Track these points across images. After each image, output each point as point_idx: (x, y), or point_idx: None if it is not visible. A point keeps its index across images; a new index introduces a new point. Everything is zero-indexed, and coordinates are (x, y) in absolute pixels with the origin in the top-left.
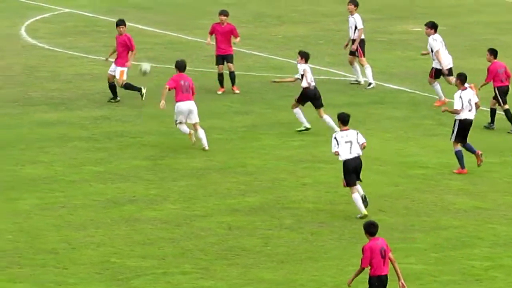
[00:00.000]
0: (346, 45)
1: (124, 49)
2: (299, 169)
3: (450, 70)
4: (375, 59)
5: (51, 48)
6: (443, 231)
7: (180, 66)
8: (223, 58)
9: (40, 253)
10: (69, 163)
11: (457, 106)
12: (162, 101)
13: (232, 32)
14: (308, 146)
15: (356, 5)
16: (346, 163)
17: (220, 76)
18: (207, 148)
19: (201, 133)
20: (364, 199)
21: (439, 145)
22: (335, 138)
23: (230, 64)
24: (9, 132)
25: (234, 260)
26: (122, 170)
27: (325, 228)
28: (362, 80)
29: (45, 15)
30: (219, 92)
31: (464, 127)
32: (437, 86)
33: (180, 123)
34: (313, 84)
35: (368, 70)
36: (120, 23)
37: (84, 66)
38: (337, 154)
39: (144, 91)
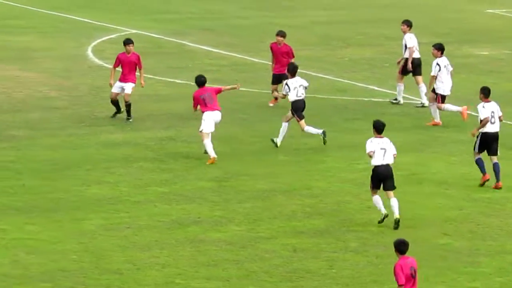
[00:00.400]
0: (399, 62)
1: (132, 68)
2: (364, 192)
3: (444, 97)
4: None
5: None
6: (509, 255)
7: (199, 82)
8: (279, 77)
9: (105, 274)
10: (134, 184)
11: (482, 115)
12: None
13: (288, 53)
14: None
15: (409, 25)
16: (376, 168)
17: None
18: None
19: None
20: (396, 222)
21: (504, 169)
22: (371, 141)
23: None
24: (75, 152)
25: (298, 283)
26: (187, 191)
27: (390, 251)
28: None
29: (111, 36)
30: (271, 105)
31: (486, 139)
32: (435, 107)
33: (207, 140)
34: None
35: (400, 87)
36: (129, 42)
37: (149, 87)
38: (371, 154)
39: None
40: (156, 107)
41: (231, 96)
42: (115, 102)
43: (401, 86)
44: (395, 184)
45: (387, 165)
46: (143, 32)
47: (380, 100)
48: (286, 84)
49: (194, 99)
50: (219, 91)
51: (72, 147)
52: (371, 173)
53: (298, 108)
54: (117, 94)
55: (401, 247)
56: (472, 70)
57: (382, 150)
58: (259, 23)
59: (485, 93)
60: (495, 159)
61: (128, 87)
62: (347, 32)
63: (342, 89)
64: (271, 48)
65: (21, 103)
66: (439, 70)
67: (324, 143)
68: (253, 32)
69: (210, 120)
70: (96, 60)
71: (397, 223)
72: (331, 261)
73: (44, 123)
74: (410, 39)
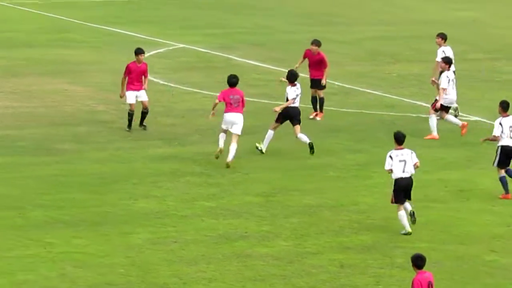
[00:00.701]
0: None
1: (141, 76)
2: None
3: (447, 108)
4: (490, 98)
5: (165, 83)
6: None
7: (231, 83)
8: (315, 82)
9: None
10: (182, 198)
11: (496, 132)
12: (212, 112)
13: (322, 61)
14: (421, 185)
15: (443, 38)
16: (397, 181)
17: (313, 99)
18: (229, 161)
19: (233, 147)
20: (412, 215)
21: None
22: (390, 156)
23: (319, 91)
24: (123, 166)
25: None
26: (234, 206)
27: (437, 268)
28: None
29: (159, 50)
30: (311, 117)
31: (506, 153)
32: (434, 119)
33: (221, 133)
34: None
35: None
36: (141, 51)
37: (197, 101)
38: (390, 172)
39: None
40: (203, 121)
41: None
42: (132, 115)
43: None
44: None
45: (409, 177)
46: (191, 47)
47: (428, 115)
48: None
49: (223, 94)
50: (243, 101)
51: (120, 161)
52: (393, 186)
53: (291, 114)
54: (135, 104)
55: (418, 261)
56: None
57: (401, 163)
58: (308, 38)
59: (504, 107)
60: None
61: (144, 95)
62: (395, 47)
63: (390, 104)
64: (305, 54)
65: (70, 117)
66: (448, 82)
67: (312, 153)
68: (301, 47)
69: (228, 120)
70: None
71: (412, 215)
72: (378, 277)
73: (91, 137)
74: (443, 53)
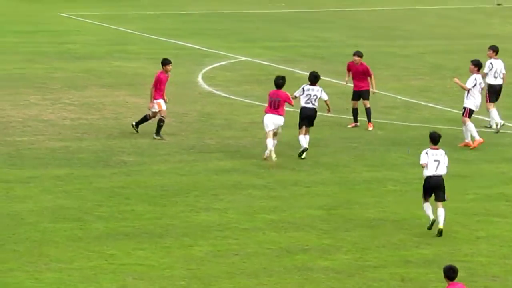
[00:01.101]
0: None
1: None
2: (473, 222)
3: (471, 111)
4: None
5: (227, 95)
6: None
7: (276, 84)
8: (358, 94)
9: None
10: (243, 211)
11: None
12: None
13: (365, 72)
14: (481, 200)
15: (495, 50)
16: (428, 179)
17: (354, 111)
18: (273, 159)
19: (272, 142)
20: (439, 232)
21: None
22: (426, 153)
23: (365, 101)
24: (184, 178)
25: None
26: (295, 219)
27: (498, 283)
28: (494, 124)
29: (222, 63)
30: (349, 126)
31: None
32: (471, 125)
33: (267, 137)
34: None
35: (494, 113)
36: (169, 62)
37: (259, 114)
38: (424, 166)
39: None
40: (263, 134)
41: (340, 126)
42: (147, 120)
43: (492, 112)
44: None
45: (439, 176)
46: (253, 60)
47: (490, 130)
48: (302, 87)
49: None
50: (287, 99)
51: (181, 173)
52: (423, 182)
53: (301, 115)
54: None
55: (450, 273)
56: None
57: (435, 162)
58: (369, 52)
59: None
60: None
61: (164, 104)
62: (457, 62)
63: (452, 119)
64: (348, 66)
65: (131, 129)
66: (474, 85)
67: (299, 155)
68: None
69: (269, 122)
70: (206, 87)
71: (440, 233)
72: None
73: (153, 149)
74: (490, 65)
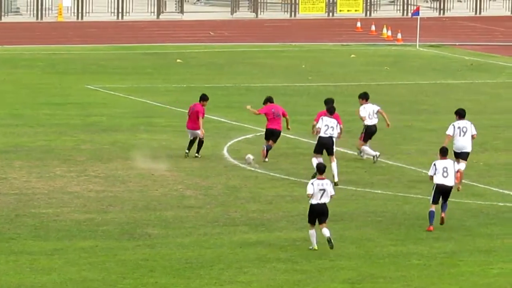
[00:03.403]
0: None
1: None
2: None
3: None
4: None
5: (252, 169)
6: None
7: (327, 108)
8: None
9: None
10: (267, 284)
11: None
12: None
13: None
14: (507, 274)
15: None
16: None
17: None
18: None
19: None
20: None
21: None
22: (434, 164)
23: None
24: (209, 251)
25: None
26: None
27: None
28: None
29: (247, 136)
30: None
31: None
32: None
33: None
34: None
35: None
36: (208, 98)
37: (284, 188)
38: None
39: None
40: (290, 207)
41: (365, 199)
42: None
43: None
44: None
45: (324, 204)
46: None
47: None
48: (321, 117)
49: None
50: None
51: (206, 246)
52: (309, 209)
53: (318, 144)
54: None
55: None
56: None
57: (321, 191)
58: (397, 126)
59: None
60: None
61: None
62: (483, 136)
63: (478, 193)
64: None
65: (156, 201)
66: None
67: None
68: (386, 135)
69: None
70: (231, 160)
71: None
72: None
73: (178, 222)
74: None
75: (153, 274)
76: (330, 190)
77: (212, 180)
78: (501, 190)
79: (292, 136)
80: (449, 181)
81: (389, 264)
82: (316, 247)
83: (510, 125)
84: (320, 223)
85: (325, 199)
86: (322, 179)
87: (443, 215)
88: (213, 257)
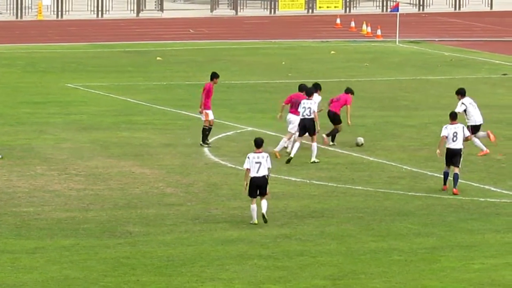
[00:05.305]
0: None
1: None
2: None
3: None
4: None
5: (233, 166)
6: None
7: (301, 88)
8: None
9: None
10: (249, 281)
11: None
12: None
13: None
14: (488, 269)
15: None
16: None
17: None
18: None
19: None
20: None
21: None
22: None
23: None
24: (190, 249)
25: None
26: None
27: None
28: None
29: (228, 133)
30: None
31: None
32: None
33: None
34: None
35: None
36: (218, 75)
37: None
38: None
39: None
40: (271, 204)
41: (346, 195)
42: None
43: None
44: None
45: (262, 177)
46: (259, 130)
47: (496, 200)
48: (302, 101)
49: (289, 97)
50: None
51: (187, 244)
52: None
53: (300, 126)
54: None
55: None
56: None
57: (257, 164)
58: (377, 123)
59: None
60: None
61: (211, 113)
62: None
63: (459, 189)
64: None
65: (137, 199)
66: (465, 109)
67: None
68: (369, 131)
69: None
70: (213, 157)
71: (263, 216)
72: None
73: (159, 219)
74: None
75: (135, 272)
76: (266, 163)
77: (193, 177)
78: (481, 186)
79: (273, 133)
80: (457, 145)
81: (370, 260)
82: (256, 221)
83: (490, 120)
84: (260, 195)
85: (263, 172)
86: (259, 152)
87: (454, 191)
88: (194, 254)
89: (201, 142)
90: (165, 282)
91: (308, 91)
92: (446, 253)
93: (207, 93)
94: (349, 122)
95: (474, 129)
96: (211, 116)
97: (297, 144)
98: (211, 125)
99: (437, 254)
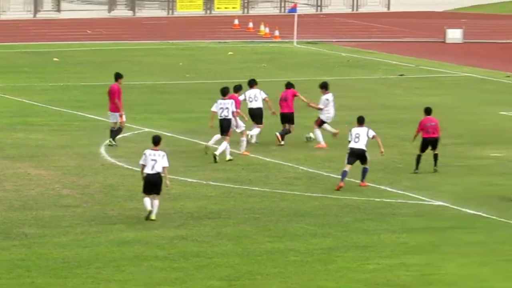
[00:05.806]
0: None
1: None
2: None
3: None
4: (453, 183)
5: (129, 167)
6: None
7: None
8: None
9: None
10: (144, 282)
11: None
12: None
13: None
14: (383, 270)
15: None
16: (147, 176)
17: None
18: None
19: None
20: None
21: None
22: (144, 153)
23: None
24: (86, 250)
25: None
26: None
27: None
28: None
29: (125, 135)
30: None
31: None
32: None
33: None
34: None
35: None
36: (122, 76)
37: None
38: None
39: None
40: (167, 205)
41: (242, 196)
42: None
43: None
44: None
45: (157, 174)
46: (156, 131)
47: (392, 200)
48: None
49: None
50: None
51: (83, 245)
52: (143, 179)
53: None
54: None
55: None
56: (484, 172)
57: (153, 161)
58: (274, 123)
59: None
60: None
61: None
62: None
63: (355, 189)
64: None
65: (32, 201)
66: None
67: (213, 157)
68: (267, 134)
69: None
70: (109, 158)
71: (148, 217)
72: None
73: (55, 221)
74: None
75: (30, 274)
76: (162, 161)
77: (89, 178)
78: (377, 186)
79: (169, 134)
80: (359, 145)
81: (267, 261)
82: (150, 209)
83: (387, 120)
84: (153, 193)
85: (158, 169)
86: (156, 150)
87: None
88: (90, 256)
89: (113, 140)
90: (61, 284)
91: (224, 91)
92: (342, 254)
93: (119, 94)
94: (313, 105)
95: (323, 122)
96: (124, 118)
97: (224, 144)
98: (122, 127)
99: (333, 255)
